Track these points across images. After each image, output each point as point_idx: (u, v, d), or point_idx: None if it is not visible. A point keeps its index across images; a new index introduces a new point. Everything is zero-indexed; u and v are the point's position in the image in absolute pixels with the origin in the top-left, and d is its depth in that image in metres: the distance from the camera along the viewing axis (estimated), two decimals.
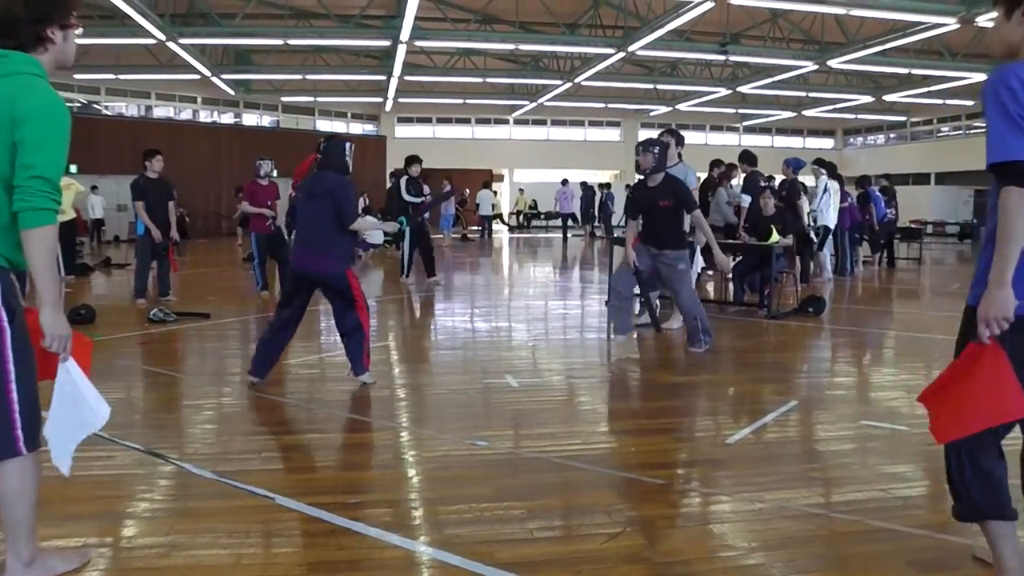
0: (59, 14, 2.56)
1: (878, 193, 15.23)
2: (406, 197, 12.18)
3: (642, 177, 6.83)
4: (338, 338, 5.79)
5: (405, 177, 12.29)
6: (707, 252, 7.49)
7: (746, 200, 10.52)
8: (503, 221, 27.33)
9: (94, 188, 21.02)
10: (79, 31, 2.68)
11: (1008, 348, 2.43)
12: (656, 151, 6.66)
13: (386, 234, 6.92)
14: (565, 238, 24.41)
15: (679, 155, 7.73)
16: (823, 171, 12.37)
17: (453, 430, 4.64)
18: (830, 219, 12.22)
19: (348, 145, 5.59)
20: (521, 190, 32.57)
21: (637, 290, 7.40)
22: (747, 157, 11.09)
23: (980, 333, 2.44)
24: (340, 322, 5.53)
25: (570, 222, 25.29)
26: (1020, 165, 2.33)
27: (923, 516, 3.38)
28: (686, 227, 7.22)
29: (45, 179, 2.41)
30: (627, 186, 28.34)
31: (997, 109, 2.36)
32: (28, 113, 2.40)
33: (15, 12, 2.47)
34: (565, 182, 25.17)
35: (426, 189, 12.95)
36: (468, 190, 25.72)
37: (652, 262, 6.89)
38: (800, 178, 11.94)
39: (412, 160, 12.29)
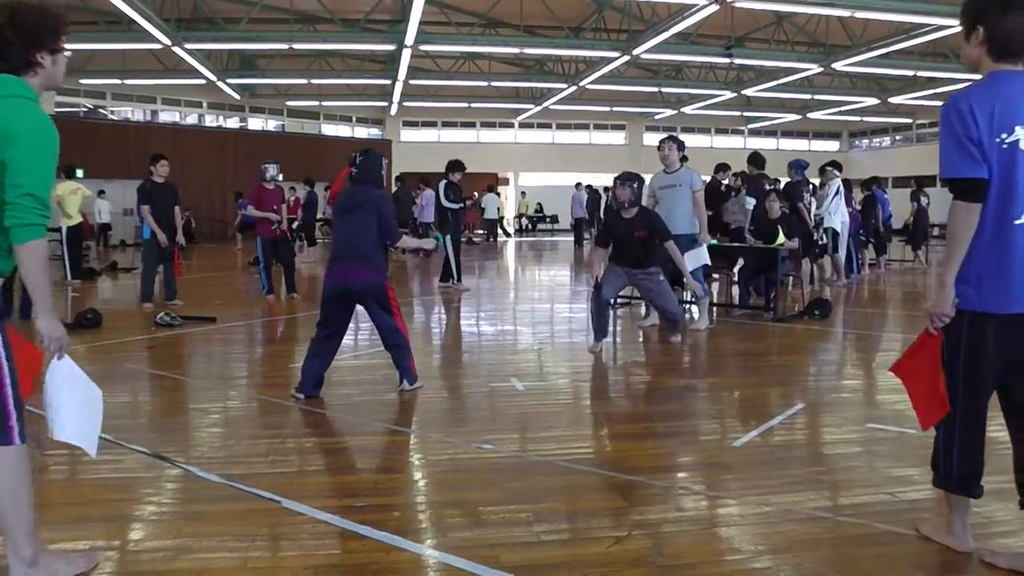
0: (49, 39, 2.68)
1: (885, 196, 15.20)
2: (445, 203, 11.84)
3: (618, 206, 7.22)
4: (346, 343, 5.82)
5: (444, 182, 11.90)
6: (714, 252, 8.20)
7: (750, 203, 10.50)
8: (502, 227, 27.19)
9: (101, 193, 21.09)
10: (68, 54, 2.79)
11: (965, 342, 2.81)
12: (635, 186, 7.08)
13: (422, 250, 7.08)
14: (579, 242, 24.42)
15: (681, 159, 8.18)
16: (837, 173, 12.35)
17: (459, 433, 4.64)
18: (836, 222, 12.19)
19: (384, 160, 5.66)
20: (523, 193, 32.58)
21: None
22: (755, 159, 11.07)
23: (927, 326, 2.89)
24: (385, 335, 5.49)
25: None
26: (964, 182, 2.69)
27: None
28: (695, 228, 7.91)
29: (35, 196, 2.52)
30: None
31: (947, 131, 2.71)
32: (18, 134, 2.50)
33: (6, 36, 2.58)
34: (579, 185, 25.21)
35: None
36: (476, 193, 25.73)
37: (629, 280, 7.37)
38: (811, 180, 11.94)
39: (455, 166, 11.92)
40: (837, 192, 12.17)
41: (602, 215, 26.18)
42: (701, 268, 8.03)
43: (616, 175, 7.28)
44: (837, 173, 12.37)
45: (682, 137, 8.66)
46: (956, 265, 2.74)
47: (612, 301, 7.53)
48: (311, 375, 5.40)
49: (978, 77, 2.83)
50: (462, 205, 12.09)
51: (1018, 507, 2.94)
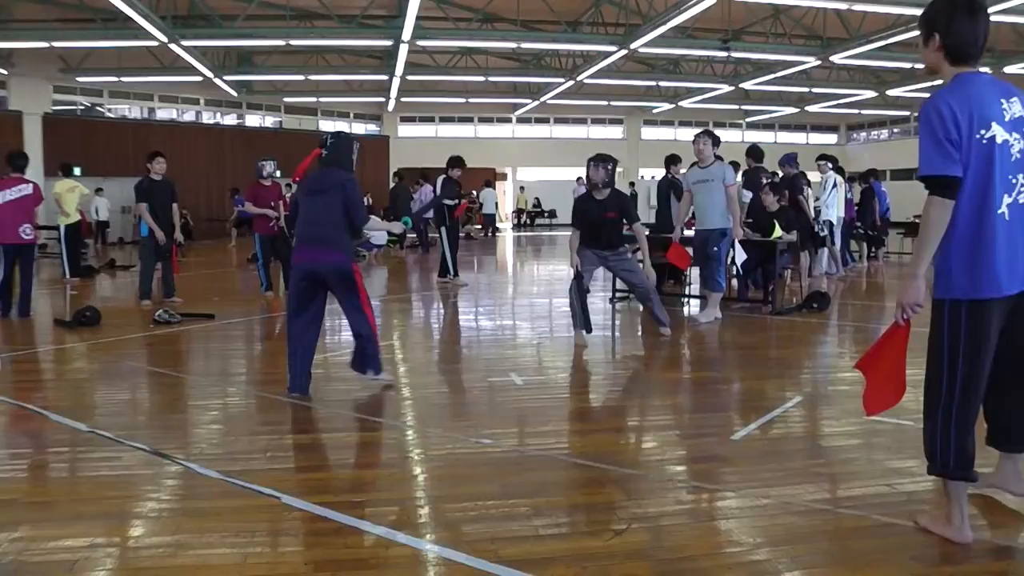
0: None
1: (883, 188, 15.20)
2: (446, 201, 11.86)
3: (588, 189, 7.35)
4: (342, 338, 5.80)
5: (443, 177, 11.94)
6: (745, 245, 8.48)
7: (747, 196, 10.50)
8: (495, 224, 26.99)
9: (99, 190, 21.07)
10: None
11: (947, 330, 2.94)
12: (609, 167, 7.16)
13: (390, 234, 6.92)
14: None
15: (715, 155, 8.27)
16: (830, 166, 12.37)
17: (458, 428, 4.65)
18: (833, 215, 12.22)
19: (356, 143, 5.56)
20: (522, 188, 32.53)
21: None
22: (753, 152, 11.06)
23: (896, 316, 3.04)
24: (353, 322, 5.40)
25: None
26: (941, 180, 2.83)
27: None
28: (727, 223, 8.15)
29: None
30: (631, 183, 28.51)
31: (927, 131, 2.85)
32: None
33: None
34: (580, 180, 25.19)
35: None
36: (474, 192, 25.71)
37: (600, 263, 7.47)
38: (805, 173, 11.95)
39: (455, 162, 11.90)
40: (835, 185, 12.18)
41: None
42: (722, 267, 8.18)
43: (590, 156, 7.28)
44: (830, 166, 12.38)
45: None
46: (928, 257, 2.92)
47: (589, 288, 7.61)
48: (301, 373, 5.34)
49: (939, 81, 2.99)
50: (456, 201, 12.07)
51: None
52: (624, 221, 7.29)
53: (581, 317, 7.25)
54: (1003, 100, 2.91)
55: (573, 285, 7.30)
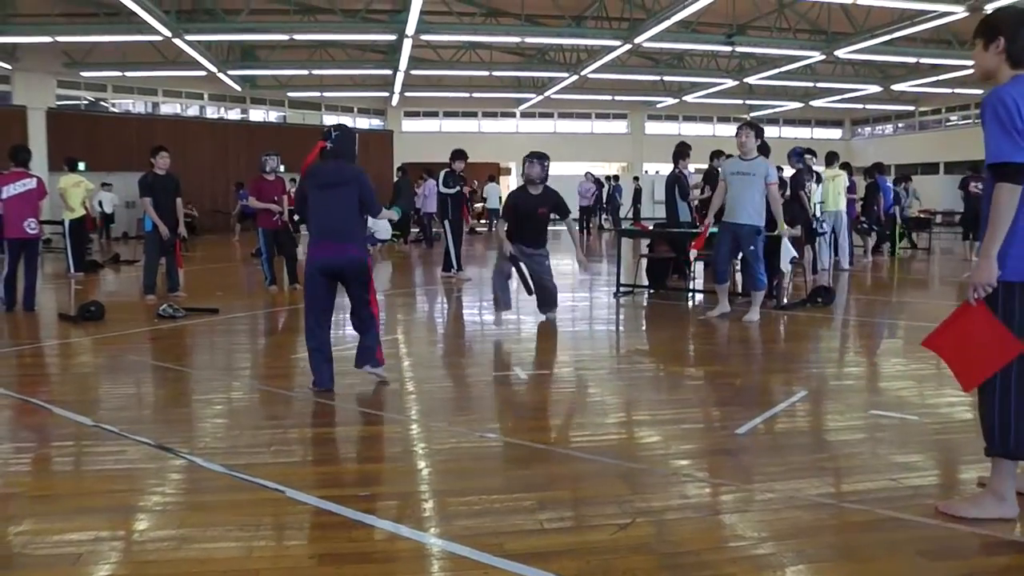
0: None
1: (889, 184, 15.18)
2: (442, 189, 12.01)
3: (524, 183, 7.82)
4: (347, 332, 5.79)
5: (445, 171, 12.05)
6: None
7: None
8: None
9: (106, 185, 21.08)
10: None
11: (1001, 309, 3.05)
12: (545, 164, 7.65)
13: (394, 228, 7.07)
14: (582, 229, 24.38)
15: (759, 147, 8.08)
16: (811, 159, 12.38)
17: (462, 422, 4.64)
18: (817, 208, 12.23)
19: (357, 135, 5.55)
20: (472, 183, 32.46)
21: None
22: (760, 148, 10.99)
23: (968, 296, 3.11)
24: (358, 315, 5.39)
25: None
26: (1011, 166, 2.97)
27: (933, 505, 3.37)
28: (757, 218, 7.95)
29: None
30: (635, 178, 28.47)
31: (995, 120, 3.00)
32: None
33: None
34: (588, 175, 25.19)
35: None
36: (476, 182, 25.63)
37: (521, 259, 7.83)
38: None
39: (458, 155, 12.05)
40: (818, 180, 12.27)
41: (604, 204, 26.24)
42: (761, 263, 8.02)
43: (526, 154, 7.74)
44: (813, 160, 12.38)
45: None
46: (1000, 239, 3.01)
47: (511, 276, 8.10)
48: (326, 369, 5.32)
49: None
50: (457, 189, 12.09)
51: None
52: (555, 216, 7.78)
53: (502, 300, 8.08)
54: None
55: (497, 269, 7.94)
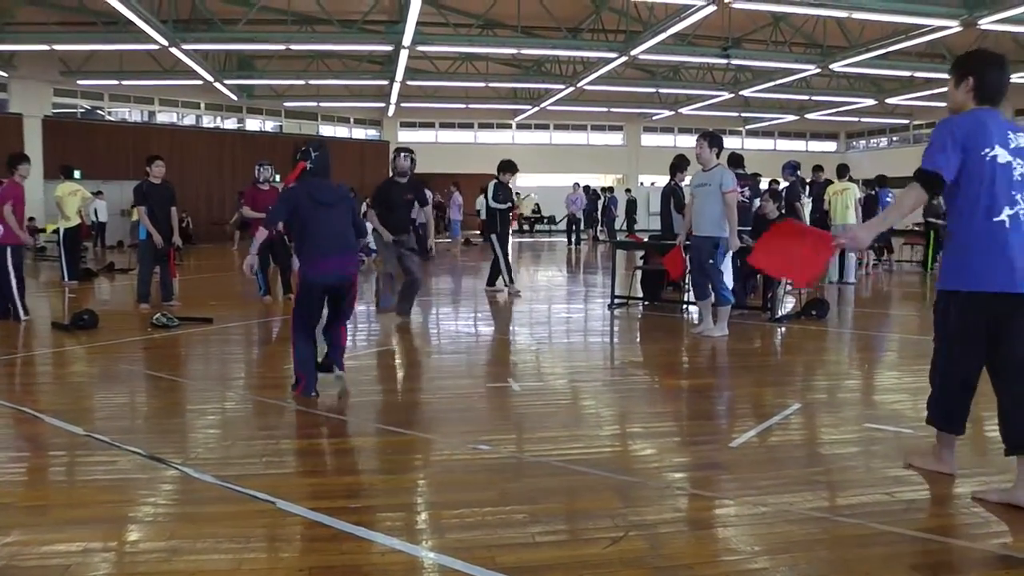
0: None
1: (889, 198, 15.22)
2: (492, 204, 11.46)
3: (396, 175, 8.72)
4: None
5: (494, 182, 11.51)
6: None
7: None
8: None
9: (98, 193, 21.05)
10: None
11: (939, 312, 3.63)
12: (413, 157, 8.72)
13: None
14: (570, 241, 24.37)
15: (730, 159, 8.02)
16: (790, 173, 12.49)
17: (456, 434, 4.63)
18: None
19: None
20: (517, 194, 32.52)
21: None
22: (731, 159, 10.96)
23: (837, 242, 3.96)
24: (342, 321, 5.61)
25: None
26: (933, 177, 3.41)
27: (927, 520, 3.37)
28: (723, 231, 7.83)
29: None
30: (627, 190, 28.52)
31: (945, 133, 3.42)
32: None
33: None
34: (576, 186, 25.19)
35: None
36: (519, 193, 25.16)
37: (395, 253, 8.74)
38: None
39: (507, 166, 11.56)
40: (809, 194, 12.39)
41: (599, 215, 26.27)
42: (721, 275, 7.89)
43: (396, 147, 8.92)
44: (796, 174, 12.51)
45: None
46: (887, 225, 3.76)
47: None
48: (315, 374, 5.47)
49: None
50: (509, 205, 11.66)
51: (1004, 455, 3.50)
52: (416, 204, 8.84)
53: (384, 300, 8.89)
54: (1010, 132, 3.48)
55: (383, 270, 8.96)
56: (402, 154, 8.68)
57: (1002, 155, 3.41)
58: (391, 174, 8.85)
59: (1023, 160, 3.47)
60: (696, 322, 8.52)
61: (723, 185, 7.69)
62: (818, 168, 14.42)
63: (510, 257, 11.79)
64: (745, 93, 25.83)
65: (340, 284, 5.39)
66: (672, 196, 10.25)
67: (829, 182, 13.52)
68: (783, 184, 12.22)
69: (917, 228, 19.96)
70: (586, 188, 26.08)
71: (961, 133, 3.40)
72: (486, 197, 11.64)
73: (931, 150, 3.41)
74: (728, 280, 8.26)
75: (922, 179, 3.43)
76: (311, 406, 5.23)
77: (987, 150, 3.40)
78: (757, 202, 10.43)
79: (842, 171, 13.00)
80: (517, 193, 23.85)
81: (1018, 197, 3.42)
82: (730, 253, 8.10)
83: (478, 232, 26.50)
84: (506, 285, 11.55)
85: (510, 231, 11.91)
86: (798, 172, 12.44)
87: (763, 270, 3.85)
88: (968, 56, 3.68)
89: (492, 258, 11.67)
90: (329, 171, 5.57)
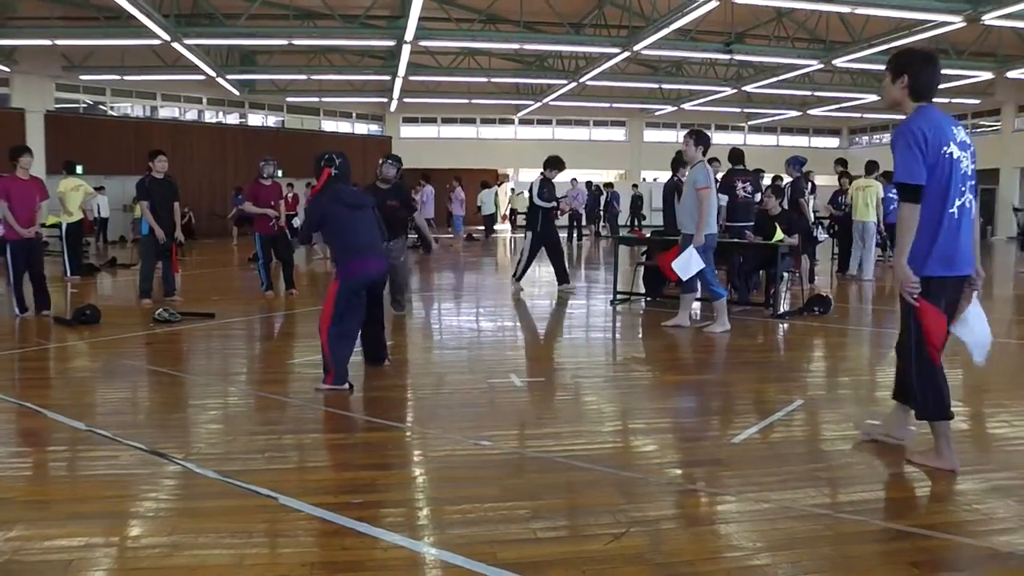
0: None
1: (892, 193, 15.17)
2: (537, 201, 11.05)
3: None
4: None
5: (540, 178, 11.16)
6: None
7: (723, 199, 10.39)
8: (493, 226, 26.17)
9: (100, 188, 21.05)
10: None
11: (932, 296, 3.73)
12: (399, 166, 8.72)
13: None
14: (570, 237, 24.33)
15: (703, 153, 7.95)
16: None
17: (457, 430, 4.63)
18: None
19: None
20: (513, 189, 32.51)
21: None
22: (732, 155, 10.92)
23: (906, 298, 3.79)
24: (379, 320, 6.11)
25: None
26: (915, 188, 3.61)
27: (928, 516, 3.37)
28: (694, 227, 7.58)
29: None
30: (633, 185, 28.49)
31: (906, 145, 3.62)
32: None
33: None
34: (574, 181, 25.15)
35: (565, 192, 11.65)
36: (571, 184, 24.88)
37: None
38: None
39: (553, 162, 11.18)
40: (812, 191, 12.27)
41: (601, 211, 26.23)
42: (710, 274, 7.80)
43: (384, 155, 8.93)
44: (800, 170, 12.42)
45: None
46: (906, 250, 3.67)
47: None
48: (346, 366, 5.56)
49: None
50: (554, 204, 11.25)
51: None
52: (404, 210, 8.76)
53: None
54: (953, 127, 3.74)
55: None
56: (388, 162, 8.72)
57: (955, 151, 3.68)
58: (376, 179, 8.73)
59: (966, 152, 3.75)
60: (700, 320, 8.50)
61: (696, 182, 7.73)
62: (841, 161, 14.34)
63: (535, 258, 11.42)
64: (748, 89, 25.74)
65: (382, 277, 5.86)
66: (676, 192, 10.21)
67: (850, 177, 13.48)
68: (787, 180, 12.15)
69: None
70: (588, 184, 26.03)
71: (924, 138, 3.61)
72: (531, 194, 11.32)
73: (906, 161, 3.62)
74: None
75: (910, 193, 3.64)
76: (313, 401, 5.23)
77: (946, 148, 3.65)
78: (758, 196, 10.40)
79: (870, 167, 12.85)
80: (519, 193, 23.71)
81: (964, 188, 3.73)
82: (691, 251, 7.96)
83: (480, 227, 26.58)
84: (513, 277, 11.41)
85: (554, 230, 11.38)
86: (803, 168, 12.35)
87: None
88: (903, 54, 3.88)
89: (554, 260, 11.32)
90: (350, 176, 5.90)
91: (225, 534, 3.13)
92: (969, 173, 3.78)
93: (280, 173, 10.85)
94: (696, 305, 8.73)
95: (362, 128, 32.55)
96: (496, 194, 25.74)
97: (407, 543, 3.07)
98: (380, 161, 8.75)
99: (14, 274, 8.64)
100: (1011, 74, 21.99)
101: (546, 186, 11.16)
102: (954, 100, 26.84)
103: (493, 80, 26.34)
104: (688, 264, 7.68)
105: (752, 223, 9.94)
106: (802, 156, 11.95)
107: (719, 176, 10.20)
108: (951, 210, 3.69)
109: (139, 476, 3.84)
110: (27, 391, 5.58)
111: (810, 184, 13.75)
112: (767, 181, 12.91)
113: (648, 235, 11.62)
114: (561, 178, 12.41)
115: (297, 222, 12.47)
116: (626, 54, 19.97)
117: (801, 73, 23.14)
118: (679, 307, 8.22)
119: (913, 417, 4.03)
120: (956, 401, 4.72)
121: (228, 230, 22.80)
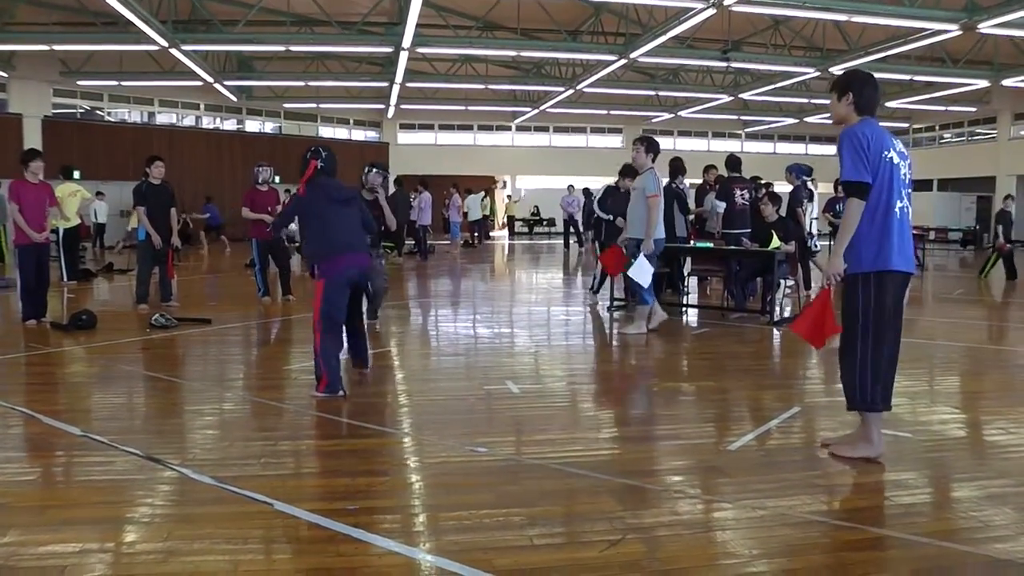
0: None
1: None
2: (599, 212, 10.86)
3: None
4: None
5: (605, 186, 10.97)
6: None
7: (720, 206, 10.42)
8: (483, 231, 26.06)
9: (99, 194, 21.04)
10: None
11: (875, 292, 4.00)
12: (386, 173, 8.93)
13: (387, 240, 7.34)
14: (567, 244, 24.32)
15: (652, 160, 8.04)
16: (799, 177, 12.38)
17: (453, 436, 4.62)
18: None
19: None
20: (509, 196, 32.49)
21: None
22: (728, 162, 10.92)
23: (822, 283, 4.24)
24: (360, 320, 5.99)
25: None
26: (862, 185, 3.94)
27: (925, 524, 3.36)
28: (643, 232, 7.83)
29: None
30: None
31: (852, 148, 3.96)
32: None
33: None
34: (571, 188, 25.15)
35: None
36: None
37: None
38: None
39: (629, 171, 9.88)
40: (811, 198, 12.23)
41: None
42: (648, 275, 7.86)
43: (369, 163, 8.70)
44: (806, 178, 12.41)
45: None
46: (846, 241, 3.99)
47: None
48: (340, 373, 5.52)
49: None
50: (612, 218, 10.44)
51: None
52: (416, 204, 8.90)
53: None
54: (892, 138, 4.09)
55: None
56: (374, 170, 8.54)
57: (895, 157, 4.02)
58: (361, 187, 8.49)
59: (904, 161, 4.11)
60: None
61: (646, 189, 7.85)
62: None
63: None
64: (745, 96, 25.84)
65: (363, 275, 5.65)
66: (676, 199, 10.21)
67: (760, 181, 13.51)
68: (788, 187, 12.14)
69: (916, 232, 19.99)
70: (585, 190, 26.03)
71: (867, 141, 3.93)
72: (590, 201, 11.22)
73: (852, 162, 3.93)
74: (645, 282, 7.97)
75: (857, 190, 3.94)
76: (309, 408, 5.22)
77: (886, 152, 3.98)
78: (720, 204, 10.40)
79: None
80: (516, 200, 23.50)
81: (904, 193, 4.06)
82: (642, 258, 7.96)
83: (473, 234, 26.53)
84: (590, 290, 11.26)
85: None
86: (804, 177, 12.27)
87: (798, 332, 4.56)
88: (847, 75, 4.26)
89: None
90: (336, 171, 5.77)
91: (220, 540, 3.12)
92: (906, 181, 4.10)
93: (277, 179, 10.84)
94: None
95: (359, 134, 32.61)
96: (483, 199, 25.65)
97: (402, 549, 3.06)
98: (365, 169, 8.54)
99: (23, 280, 8.61)
100: (1007, 82, 22.09)
101: (611, 196, 10.70)
102: (951, 108, 26.96)
103: (490, 87, 26.39)
104: (642, 271, 7.82)
105: (749, 230, 9.95)
106: (806, 165, 11.92)
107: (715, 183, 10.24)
108: (895, 210, 3.99)
109: (134, 482, 3.82)
110: (22, 396, 5.56)
111: (809, 191, 13.74)
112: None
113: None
114: (558, 184, 12.35)
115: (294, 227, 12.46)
116: (623, 61, 20.04)
117: (798, 80, 23.23)
118: (633, 317, 8.29)
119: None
120: (953, 408, 4.76)
121: (237, 236, 22.66)
